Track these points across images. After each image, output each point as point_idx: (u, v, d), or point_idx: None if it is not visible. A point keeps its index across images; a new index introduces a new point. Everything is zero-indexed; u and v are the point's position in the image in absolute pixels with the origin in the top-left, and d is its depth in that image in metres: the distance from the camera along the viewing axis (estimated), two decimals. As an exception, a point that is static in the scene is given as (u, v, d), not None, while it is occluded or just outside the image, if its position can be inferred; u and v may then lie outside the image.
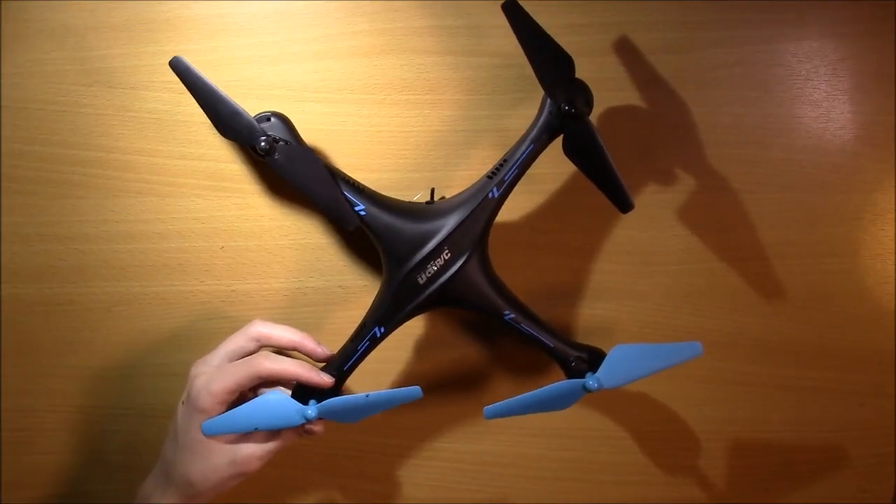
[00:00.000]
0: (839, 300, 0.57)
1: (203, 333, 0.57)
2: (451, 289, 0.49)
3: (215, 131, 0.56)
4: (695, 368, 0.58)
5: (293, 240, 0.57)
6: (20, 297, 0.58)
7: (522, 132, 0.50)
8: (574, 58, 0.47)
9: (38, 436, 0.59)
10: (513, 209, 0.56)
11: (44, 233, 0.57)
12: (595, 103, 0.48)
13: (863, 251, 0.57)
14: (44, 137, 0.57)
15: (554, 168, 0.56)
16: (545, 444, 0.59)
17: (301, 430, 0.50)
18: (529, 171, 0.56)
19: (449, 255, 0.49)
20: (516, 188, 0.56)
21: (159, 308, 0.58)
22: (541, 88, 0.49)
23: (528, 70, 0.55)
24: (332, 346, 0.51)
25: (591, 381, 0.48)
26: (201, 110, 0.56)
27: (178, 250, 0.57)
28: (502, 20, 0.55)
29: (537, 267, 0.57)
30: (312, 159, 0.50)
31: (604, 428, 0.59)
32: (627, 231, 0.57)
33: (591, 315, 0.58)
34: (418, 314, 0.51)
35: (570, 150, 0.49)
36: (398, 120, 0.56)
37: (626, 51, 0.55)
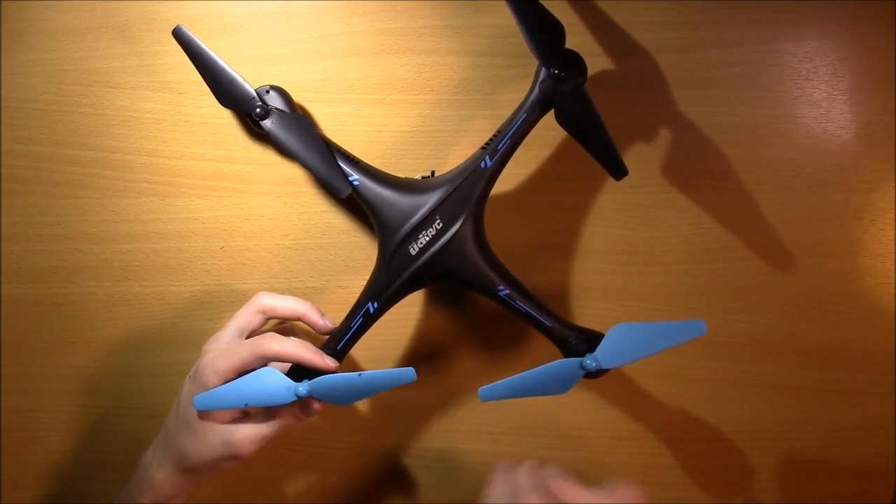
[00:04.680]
0: (839, 300, 0.57)
1: (203, 333, 0.57)
2: (444, 259, 0.49)
3: (215, 131, 0.57)
4: (695, 369, 0.58)
5: (293, 240, 0.57)
6: (20, 297, 0.58)
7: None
8: (574, 58, 0.47)
9: (38, 436, 0.59)
10: (513, 208, 0.56)
11: (44, 233, 0.57)
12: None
13: (863, 251, 0.57)
14: (44, 137, 0.57)
15: (555, 168, 0.56)
16: (545, 444, 0.59)
17: (298, 412, 0.49)
18: (532, 171, 0.56)
19: (441, 224, 0.49)
20: (517, 188, 0.56)
21: (159, 308, 0.58)
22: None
23: (529, 70, 0.55)
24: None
25: (588, 359, 0.46)
26: (202, 109, 0.56)
27: (178, 250, 0.57)
28: (502, 20, 0.55)
29: (536, 267, 0.57)
30: (307, 127, 0.50)
31: (604, 428, 0.59)
32: (627, 231, 0.57)
33: (591, 315, 0.58)
34: (412, 290, 0.50)
35: (562, 116, 0.48)
36: (398, 120, 0.56)
37: (625, 51, 0.55)
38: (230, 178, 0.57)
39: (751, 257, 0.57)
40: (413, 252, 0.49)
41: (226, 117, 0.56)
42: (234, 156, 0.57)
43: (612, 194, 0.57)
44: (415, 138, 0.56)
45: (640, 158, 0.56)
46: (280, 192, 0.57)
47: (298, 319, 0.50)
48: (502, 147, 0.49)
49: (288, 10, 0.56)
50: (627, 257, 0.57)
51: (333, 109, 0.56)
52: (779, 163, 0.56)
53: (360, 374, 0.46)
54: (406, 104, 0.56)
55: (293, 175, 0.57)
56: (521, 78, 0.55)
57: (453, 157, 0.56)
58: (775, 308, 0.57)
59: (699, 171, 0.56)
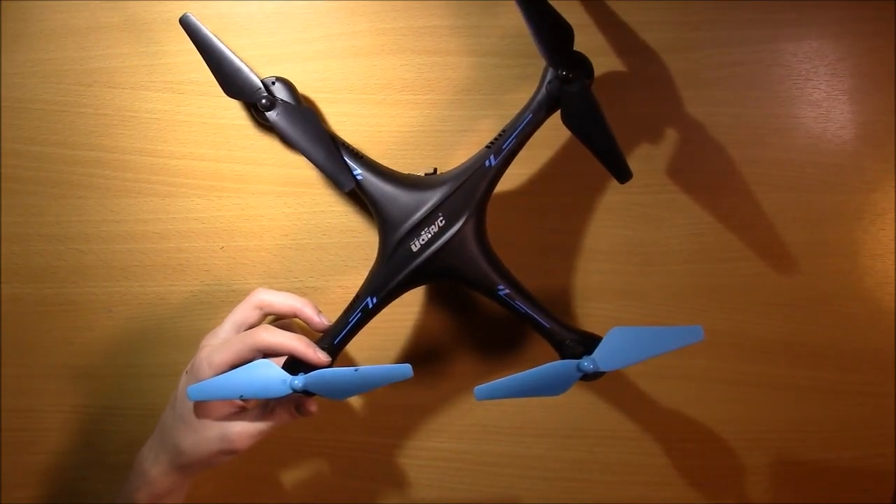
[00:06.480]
0: (839, 300, 0.57)
1: (203, 333, 0.57)
2: (445, 257, 0.49)
3: (215, 131, 0.57)
4: (695, 369, 0.58)
5: (293, 240, 0.57)
6: (20, 297, 0.58)
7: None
8: (574, 58, 0.47)
9: (38, 436, 0.59)
10: (514, 208, 0.56)
11: (44, 233, 0.57)
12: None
13: (863, 251, 0.57)
14: (44, 137, 0.57)
15: (556, 168, 0.56)
16: (545, 444, 0.59)
17: (294, 409, 0.49)
18: (533, 172, 0.56)
19: (444, 221, 0.49)
20: (518, 188, 0.56)
21: (159, 308, 0.58)
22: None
23: (528, 70, 0.55)
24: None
25: (586, 361, 0.45)
26: (202, 109, 0.56)
27: (178, 250, 0.57)
28: (502, 20, 0.55)
29: (537, 267, 0.57)
30: (312, 119, 0.50)
31: (604, 428, 0.59)
32: (627, 231, 0.57)
33: (591, 314, 0.58)
34: (412, 286, 0.50)
35: (568, 117, 0.48)
36: (398, 120, 0.56)
37: (626, 51, 0.55)
38: (230, 178, 0.57)
39: (751, 257, 0.57)
40: (414, 249, 0.49)
41: (226, 117, 0.56)
42: (234, 156, 0.57)
43: (612, 194, 0.57)
44: (415, 138, 0.56)
45: (641, 158, 0.56)
46: (280, 192, 0.57)
47: (295, 315, 0.51)
48: (507, 146, 0.49)
49: (288, 10, 0.56)
50: (627, 257, 0.57)
51: (333, 109, 0.56)
52: (779, 163, 0.56)
53: (356, 370, 0.46)
54: (406, 104, 0.56)
55: (293, 175, 0.57)
56: (521, 78, 0.55)
57: (453, 157, 0.56)
58: (775, 308, 0.57)
59: (699, 171, 0.56)
